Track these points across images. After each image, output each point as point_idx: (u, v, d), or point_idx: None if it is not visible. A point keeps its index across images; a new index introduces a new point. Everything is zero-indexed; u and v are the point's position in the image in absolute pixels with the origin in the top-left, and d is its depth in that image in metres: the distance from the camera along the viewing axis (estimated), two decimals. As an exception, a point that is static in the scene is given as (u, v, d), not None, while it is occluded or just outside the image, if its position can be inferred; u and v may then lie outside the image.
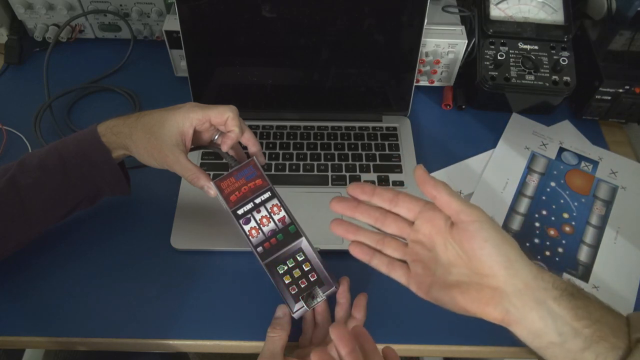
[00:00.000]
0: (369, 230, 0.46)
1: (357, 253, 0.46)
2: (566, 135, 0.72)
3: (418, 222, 0.43)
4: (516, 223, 0.63)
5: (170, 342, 0.54)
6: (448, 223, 0.42)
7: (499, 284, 0.39)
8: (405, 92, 0.70)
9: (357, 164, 0.66)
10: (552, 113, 0.75)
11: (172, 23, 0.69)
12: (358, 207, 0.45)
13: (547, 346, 0.39)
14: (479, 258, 0.39)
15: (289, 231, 0.51)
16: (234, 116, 0.51)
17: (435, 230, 0.42)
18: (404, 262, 0.45)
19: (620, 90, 0.68)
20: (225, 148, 0.52)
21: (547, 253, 0.60)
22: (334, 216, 0.61)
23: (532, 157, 0.69)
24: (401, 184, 0.64)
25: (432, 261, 0.43)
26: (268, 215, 0.51)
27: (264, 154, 0.66)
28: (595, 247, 0.61)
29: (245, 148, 0.56)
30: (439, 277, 0.42)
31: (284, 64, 0.68)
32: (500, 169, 0.68)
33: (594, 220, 0.63)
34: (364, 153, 0.67)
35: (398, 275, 0.45)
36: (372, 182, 0.64)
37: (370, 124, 0.71)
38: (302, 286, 0.50)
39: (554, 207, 0.64)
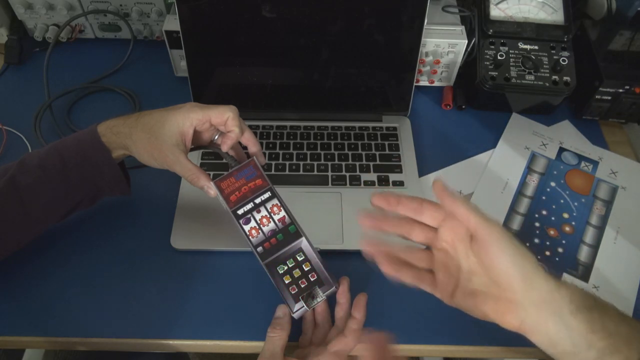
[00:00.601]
0: (395, 244, 0.46)
1: (388, 270, 0.45)
2: (566, 135, 0.72)
3: (441, 229, 0.44)
4: (516, 223, 0.63)
5: (170, 342, 0.54)
6: (469, 232, 0.42)
7: (516, 296, 0.40)
8: (405, 92, 0.70)
9: (357, 164, 0.66)
10: (552, 113, 0.75)
11: (172, 23, 0.69)
12: (385, 221, 0.46)
13: (561, 354, 0.40)
14: (496, 272, 0.40)
15: (289, 231, 0.51)
16: (234, 116, 0.51)
17: (457, 238, 0.43)
18: (430, 270, 0.45)
19: (620, 90, 0.68)
20: (225, 148, 0.52)
21: (547, 253, 0.60)
22: (333, 216, 0.61)
23: (532, 157, 0.69)
24: (401, 184, 0.64)
25: (455, 268, 0.43)
26: (268, 215, 0.51)
27: (264, 154, 0.66)
28: (595, 247, 0.61)
29: (245, 148, 0.56)
30: (462, 284, 0.43)
31: (284, 64, 0.68)
32: (500, 169, 0.68)
33: (594, 220, 0.63)
34: (364, 153, 0.67)
35: (426, 285, 0.45)
36: (372, 182, 0.65)
37: (370, 124, 0.71)
38: (302, 286, 0.50)
39: (554, 207, 0.64)
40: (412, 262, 0.46)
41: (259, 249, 0.50)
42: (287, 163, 0.66)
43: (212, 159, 0.67)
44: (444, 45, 0.71)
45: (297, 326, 0.53)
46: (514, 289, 0.40)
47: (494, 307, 0.41)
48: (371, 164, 0.66)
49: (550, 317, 0.39)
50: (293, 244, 0.51)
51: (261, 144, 0.65)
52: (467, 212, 0.41)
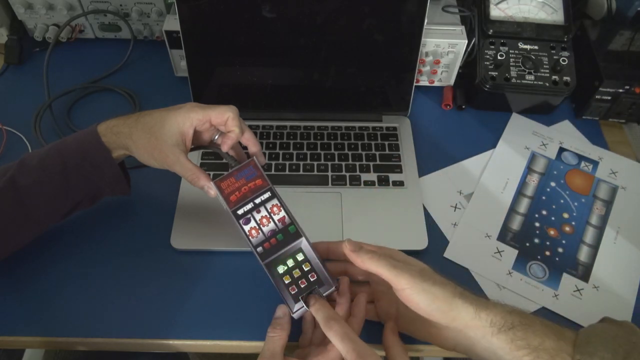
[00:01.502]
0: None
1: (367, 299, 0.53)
2: (566, 135, 0.72)
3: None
4: (516, 223, 0.63)
5: (170, 342, 0.54)
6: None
7: (443, 327, 0.46)
8: (405, 92, 0.70)
9: (357, 164, 0.66)
10: (552, 113, 0.75)
11: (172, 23, 0.69)
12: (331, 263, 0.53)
13: None
14: (419, 312, 0.45)
15: (289, 231, 0.51)
16: (234, 116, 0.51)
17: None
18: (371, 302, 0.53)
19: (620, 90, 0.68)
20: (225, 148, 0.52)
21: (547, 253, 0.60)
22: (333, 216, 0.61)
23: (532, 157, 0.69)
24: (401, 184, 0.64)
25: (394, 297, 0.47)
26: (268, 216, 0.51)
27: (264, 154, 0.66)
28: (595, 247, 0.61)
29: (245, 148, 0.56)
30: (401, 312, 0.50)
31: (284, 64, 0.68)
32: (500, 169, 0.68)
33: (594, 220, 0.63)
34: (364, 153, 0.67)
35: (370, 313, 0.52)
36: (372, 182, 0.64)
37: (370, 124, 0.71)
38: (302, 286, 0.50)
39: (554, 207, 0.64)
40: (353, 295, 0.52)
41: (259, 249, 0.50)
42: (287, 163, 0.66)
43: (212, 159, 0.67)
44: (444, 45, 0.71)
45: (297, 326, 0.53)
46: (439, 323, 0.45)
47: (430, 333, 0.48)
48: (371, 164, 0.66)
49: (477, 341, 0.44)
50: (293, 244, 0.51)
51: (261, 144, 0.65)
52: (377, 269, 0.46)
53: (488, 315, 0.43)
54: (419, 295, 0.44)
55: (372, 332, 0.52)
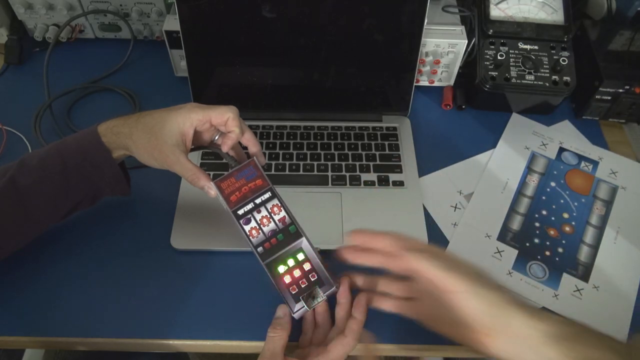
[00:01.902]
0: (375, 277, 0.51)
1: (368, 301, 0.50)
2: (566, 135, 0.72)
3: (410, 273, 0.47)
4: (516, 223, 0.63)
5: (170, 342, 0.54)
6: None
7: (492, 334, 0.43)
8: (405, 92, 0.70)
9: (357, 164, 0.66)
10: (552, 113, 0.75)
11: (172, 23, 0.69)
12: (365, 253, 0.49)
13: None
14: (471, 321, 0.43)
15: (289, 231, 0.51)
16: (234, 116, 0.51)
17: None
18: (411, 298, 0.49)
19: (620, 90, 0.68)
20: (225, 148, 0.52)
21: (547, 253, 0.60)
22: (333, 216, 0.61)
23: (532, 157, 0.69)
24: (401, 184, 0.64)
25: (437, 298, 0.45)
26: (268, 216, 0.51)
27: (264, 154, 0.66)
28: (595, 247, 0.61)
29: (245, 148, 0.56)
30: (444, 314, 0.45)
31: (284, 64, 0.68)
32: (500, 169, 0.68)
33: (594, 220, 0.63)
34: (364, 153, 0.67)
35: (408, 312, 0.49)
36: (372, 182, 0.64)
37: (370, 124, 0.71)
38: (303, 286, 0.50)
39: (554, 207, 0.64)
40: (392, 292, 0.50)
41: (259, 249, 0.50)
42: (287, 163, 0.66)
43: (212, 159, 0.67)
44: (444, 45, 0.71)
45: (297, 326, 0.53)
46: (488, 330, 0.43)
47: (474, 338, 0.44)
48: (371, 164, 0.66)
49: (526, 351, 0.42)
50: (293, 244, 0.51)
51: (261, 144, 0.65)
52: (427, 270, 0.44)
53: (542, 324, 0.42)
54: (473, 300, 0.43)
55: (373, 332, 0.52)
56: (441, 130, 0.73)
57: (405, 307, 0.49)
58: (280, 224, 0.51)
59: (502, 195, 0.65)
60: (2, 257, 0.53)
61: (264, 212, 0.51)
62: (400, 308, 0.49)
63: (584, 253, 0.60)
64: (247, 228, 0.50)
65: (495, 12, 0.71)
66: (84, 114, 0.74)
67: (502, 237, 0.61)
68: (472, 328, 0.44)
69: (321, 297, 0.50)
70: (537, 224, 0.63)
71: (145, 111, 0.52)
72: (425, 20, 0.63)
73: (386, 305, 0.50)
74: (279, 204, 0.51)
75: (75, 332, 0.53)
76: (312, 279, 0.50)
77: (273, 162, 0.66)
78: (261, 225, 0.51)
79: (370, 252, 0.49)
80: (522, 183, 0.67)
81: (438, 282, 0.44)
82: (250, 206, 0.51)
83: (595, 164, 0.69)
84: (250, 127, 0.56)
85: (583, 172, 0.68)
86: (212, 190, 0.51)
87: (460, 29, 0.72)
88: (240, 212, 0.50)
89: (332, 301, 0.53)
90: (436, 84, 0.77)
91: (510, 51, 0.70)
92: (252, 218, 0.51)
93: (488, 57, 0.70)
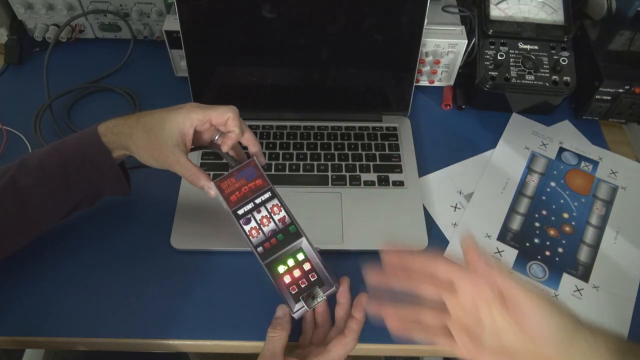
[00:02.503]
0: (403, 305, 0.45)
1: (397, 329, 0.44)
2: (566, 135, 0.72)
3: (462, 288, 0.42)
4: (516, 223, 0.63)
5: (170, 342, 0.54)
6: (495, 290, 0.40)
7: (554, 354, 0.39)
8: (405, 92, 0.70)
9: (357, 164, 0.66)
10: (552, 113, 0.75)
11: (172, 23, 0.69)
12: (393, 277, 0.44)
13: None
14: (537, 337, 0.39)
15: (289, 231, 0.51)
16: (234, 116, 0.51)
17: (479, 296, 0.41)
18: (444, 326, 0.44)
19: (620, 90, 0.68)
20: (225, 148, 0.52)
21: (547, 253, 0.60)
22: (333, 216, 0.61)
23: (532, 157, 0.69)
24: (401, 184, 0.64)
25: (478, 326, 0.42)
26: (268, 216, 0.51)
27: (264, 154, 0.66)
28: (595, 247, 0.61)
29: (245, 148, 0.56)
30: (490, 344, 0.42)
31: (284, 64, 0.68)
32: (500, 168, 0.68)
33: (594, 220, 0.63)
34: (364, 153, 0.67)
35: (441, 341, 0.44)
36: (372, 182, 0.64)
37: (370, 124, 0.71)
38: (303, 286, 0.50)
39: (554, 207, 0.64)
40: (423, 319, 0.44)
41: (259, 249, 0.50)
42: (287, 163, 0.66)
43: (212, 159, 0.67)
44: (444, 45, 0.71)
45: (297, 326, 0.53)
46: (555, 350, 0.39)
47: None
48: (371, 164, 0.66)
49: None
50: (293, 244, 0.51)
51: (261, 144, 0.65)
52: (502, 280, 0.40)
53: (604, 341, 0.40)
54: (549, 319, 0.39)
55: (372, 332, 0.52)
56: (441, 130, 0.73)
57: (439, 335, 0.44)
58: (280, 224, 0.51)
59: (502, 195, 0.65)
60: (2, 257, 0.53)
61: (263, 212, 0.51)
62: (434, 336, 0.44)
63: (584, 253, 0.60)
64: (247, 228, 0.50)
65: (495, 12, 0.71)
66: (84, 114, 0.74)
67: (502, 237, 0.61)
68: (530, 349, 0.40)
69: (321, 297, 0.50)
70: (537, 224, 0.63)
71: (145, 111, 0.52)
72: (425, 20, 0.63)
73: (417, 335, 0.44)
74: (279, 204, 0.51)
75: (75, 332, 0.53)
76: (312, 279, 0.50)
77: (273, 162, 0.66)
78: (261, 225, 0.51)
79: (398, 274, 0.44)
80: (522, 183, 0.67)
81: (513, 295, 0.40)
82: (250, 206, 0.51)
83: (595, 164, 0.69)
84: (250, 127, 0.56)
85: (583, 172, 0.68)
86: (212, 190, 0.51)
87: (460, 29, 0.72)
88: (240, 212, 0.50)
89: (332, 301, 0.53)
90: (436, 84, 0.77)
91: (510, 51, 0.70)
92: (252, 218, 0.50)
93: (488, 57, 0.70)
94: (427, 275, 0.43)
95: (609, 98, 0.69)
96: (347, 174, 0.65)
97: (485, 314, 0.41)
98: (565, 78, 0.68)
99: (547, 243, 0.61)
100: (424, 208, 0.63)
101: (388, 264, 0.44)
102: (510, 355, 0.41)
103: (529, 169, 0.68)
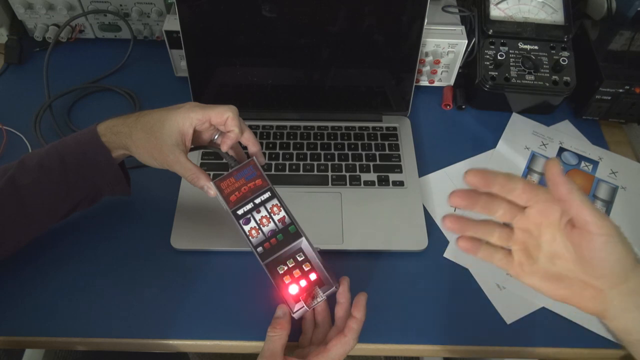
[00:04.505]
0: (476, 222, 0.45)
1: (466, 247, 0.45)
2: (566, 135, 0.72)
3: (531, 210, 0.42)
4: (516, 223, 0.63)
5: (170, 342, 0.54)
6: (564, 220, 0.41)
7: (606, 287, 0.40)
8: (405, 92, 0.70)
9: (357, 164, 0.66)
10: (552, 113, 0.75)
11: (172, 23, 0.69)
12: (476, 200, 0.44)
13: (633, 342, 0.41)
14: (595, 265, 0.40)
15: (289, 231, 0.51)
16: (233, 116, 0.51)
17: (547, 221, 0.42)
18: (503, 247, 0.44)
19: (620, 90, 0.68)
20: (225, 148, 0.52)
21: (547, 253, 0.60)
22: (333, 216, 0.61)
23: (532, 157, 0.69)
24: (401, 184, 0.64)
25: (536, 249, 0.42)
26: (268, 216, 0.51)
27: (264, 154, 0.66)
28: (595, 247, 0.61)
29: (245, 148, 0.56)
30: (541, 266, 0.42)
31: (284, 63, 0.68)
32: (500, 169, 0.67)
33: (594, 220, 0.63)
34: (364, 153, 0.67)
35: (497, 260, 0.44)
36: (372, 182, 0.64)
37: (370, 124, 0.71)
38: (303, 286, 0.50)
39: (554, 207, 0.64)
40: (488, 238, 0.45)
41: (259, 249, 0.50)
42: (287, 163, 0.66)
43: (212, 159, 0.67)
44: (444, 45, 0.71)
45: (297, 326, 0.53)
46: (606, 281, 0.40)
47: (578, 293, 0.41)
48: (371, 164, 0.66)
49: (632, 309, 0.40)
50: (293, 244, 0.51)
51: (261, 144, 0.65)
52: (580, 205, 0.39)
53: None
54: (615, 247, 0.39)
55: (372, 332, 0.52)
56: (441, 130, 0.73)
57: (497, 255, 0.44)
58: (280, 224, 0.51)
59: (502, 195, 0.65)
60: (2, 257, 0.53)
61: (263, 212, 0.51)
62: (492, 256, 0.44)
63: (584, 253, 0.60)
64: (246, 228, 0.50)
65: (495, 12, 0.71)
66: (84, 114, 0.74)
67: (502, 237, 0.61)
68: (582, 279, 0.40)
69: (321, 296, 0.50)
70: (537, 224, 0.63)
71: (145, 111, 0.52)
72: (425, 20, 0.63)
73: (480, 253, 0.45)
74: (279, 204, 0.51)
75: (75, 332, 0.53)
76: (312, 279, 0.50)
77: (273, 162, 0.66)
78: (261, 225, 0.51)
79: (480, 198, 0.44)
80: (522, 183, 0.66)
81: (584, 219, 0.39)
82: (249, 206, 0.51)
83: (595, 164, 0.69)
84: (250, 127, 0.56)
85: (583, 172, 0.68)
86: (212, 190, 0.51)
87: (460, 29, 0.72)
88: (240, 212, 0.50)
89: (332, 301, 0.53)
90: (436, 84, 0.77)
91: (510, 51, 0.70)
92: (251, 218, 0.50)
93: (488, 57, 0.70)
94: (499, 198, 0.44)
95: (609, 98, 0.69)
96: (347, 174, 0.65)
97: (547, 240, 0.42)
98: (565, 78, 0.68)
99: (547, 243, 0.61)
100: (424, 208, 0.63)
101: (472, 184, 0.43)
102: (560, 281, 0.41)
103: (529, 169, 0.68)
